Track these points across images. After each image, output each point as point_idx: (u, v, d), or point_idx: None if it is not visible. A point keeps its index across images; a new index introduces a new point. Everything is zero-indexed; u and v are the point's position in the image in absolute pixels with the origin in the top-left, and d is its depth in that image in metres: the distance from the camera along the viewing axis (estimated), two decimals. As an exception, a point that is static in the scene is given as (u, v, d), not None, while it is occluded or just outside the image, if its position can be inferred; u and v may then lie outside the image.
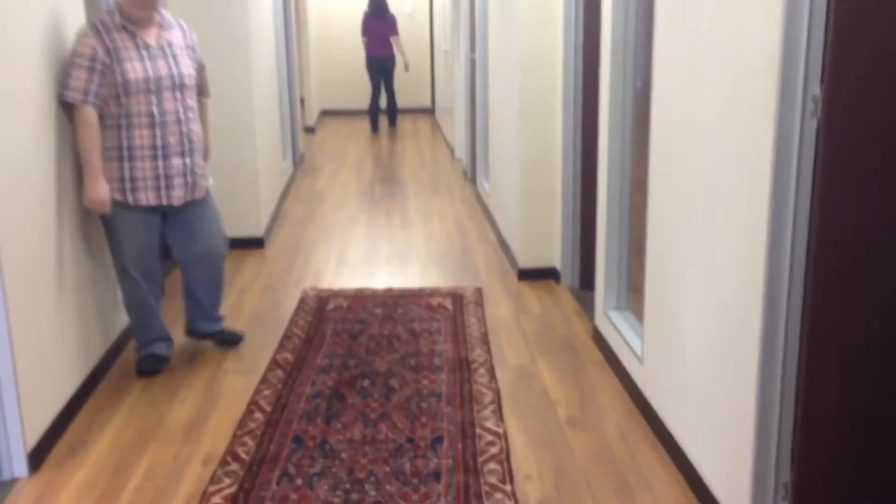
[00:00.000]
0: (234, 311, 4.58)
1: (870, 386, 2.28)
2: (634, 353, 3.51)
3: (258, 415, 3.41)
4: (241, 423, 3.34)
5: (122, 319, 4.06)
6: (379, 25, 10.81)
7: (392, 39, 10.89)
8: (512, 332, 4.30)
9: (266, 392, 3.60)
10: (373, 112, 11.20)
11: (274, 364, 3.89)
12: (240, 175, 5.69)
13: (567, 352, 4.06)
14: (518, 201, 5.09)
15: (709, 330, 2.73)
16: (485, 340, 4.16)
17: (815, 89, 2.13)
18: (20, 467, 2.97)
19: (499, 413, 3.42)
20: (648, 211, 3.31)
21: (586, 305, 4.54)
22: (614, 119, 3.83)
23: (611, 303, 3.96)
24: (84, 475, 2.99)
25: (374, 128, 11.23)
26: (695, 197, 2.80)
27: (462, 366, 3.86)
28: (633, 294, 3.90)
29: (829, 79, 2.09)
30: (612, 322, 3.84)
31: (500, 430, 3.27)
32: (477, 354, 3.99)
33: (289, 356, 3.98)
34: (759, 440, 2.41)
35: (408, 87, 12.82)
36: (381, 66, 10.94)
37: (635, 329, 3.68)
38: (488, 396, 3.57)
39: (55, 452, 3.14)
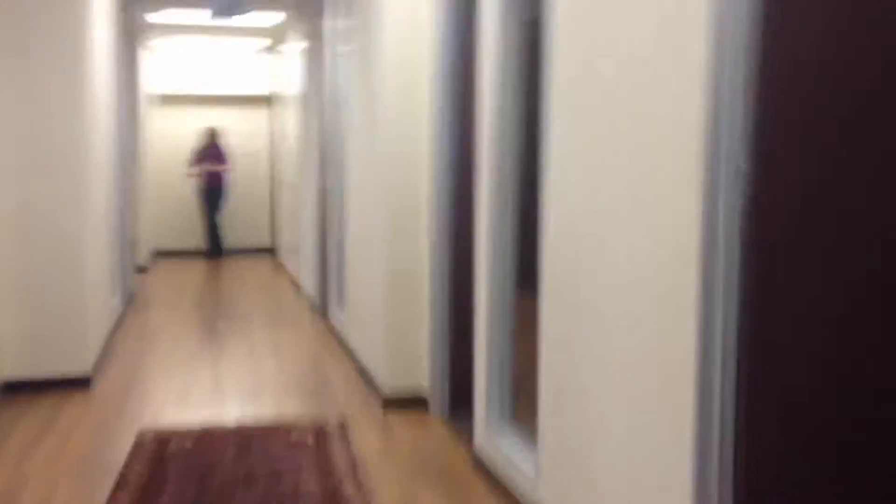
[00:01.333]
0: (55, 459, 3.89)
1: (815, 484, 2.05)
2: (525, 474, 3.16)
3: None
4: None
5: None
6: (209, 159, 11.47)
7: (222, 168, 11.57)
8: (382, 466, 3.85)
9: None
10: (209, 237, 11.77)
11: (105, 515, 3.26)
12: (64, 305, 5.05)
13: (447, 485, 3.65)
14: (381, 325, 4.74)
15: (625, 427, 2.45)
16: (354, 474, 3.68)
17: (741, 161, 1.97)
18: None
19: None
20: (541, 321, 3.05)
21: (462, 434, 4.17)
22: (494, 229, 3.62)
23: (493, 418, 3.62)
24: None
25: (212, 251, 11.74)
26: (606, 291, 2.58)
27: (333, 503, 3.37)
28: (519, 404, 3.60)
29: (756, 151, 1.94)
30: (499, 447, 3.49)
31: None
32: (349, 493, 3.50)
33: (124, 505, 3.35)
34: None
35: (246, 227, 12.39)
36: (210, 195, 11.58)
37: (527, 443, 3.33)
38: None
39: None
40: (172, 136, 12.34)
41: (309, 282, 8.42)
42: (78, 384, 5.06)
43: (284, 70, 10.89)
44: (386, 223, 4.67)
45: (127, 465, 3.78)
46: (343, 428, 4.35)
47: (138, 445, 4.06)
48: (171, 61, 12.21)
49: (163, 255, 12.14)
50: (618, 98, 2.46)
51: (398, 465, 3.85)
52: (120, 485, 3.56)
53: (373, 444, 4.12)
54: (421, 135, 4.58)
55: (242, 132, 12.46)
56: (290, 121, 9.99)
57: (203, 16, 8.97)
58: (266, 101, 12.52)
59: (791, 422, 1.97)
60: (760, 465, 2.02)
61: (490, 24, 3.55)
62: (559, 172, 2.88)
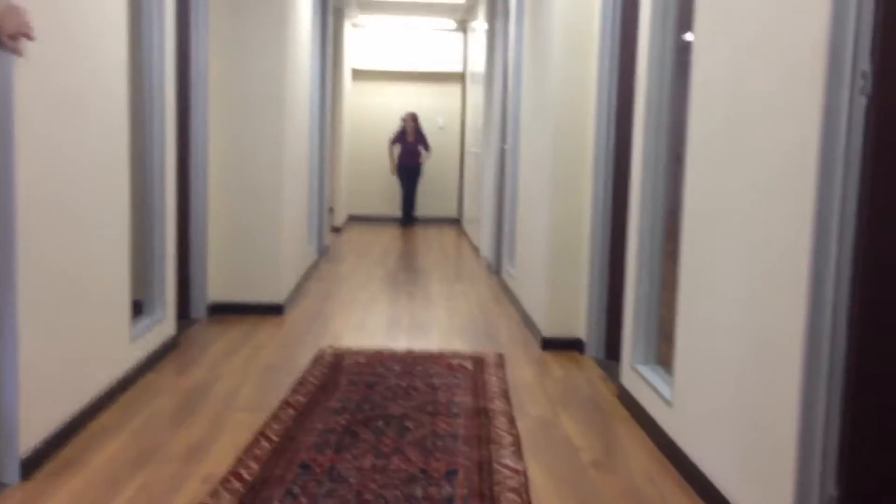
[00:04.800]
0: (247, 364, 4.45)
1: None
2: (664, 398, 3.33)
3: (265, 443, 3.23)
4: (247, 450, 3.17)
5: (139, 351, 3.96)
6: (410, 145, 12.26)
7: (423, 154, 12.34)
8: (534, 390, 4.13)
9: (275, 426, 3.44)
10: (403, 208, 12.59)
11: (285, 404, 3.73)
12: (263, 239, 5.67)
13: (591, 408, 3.88)
14: (544, 272, 5.00)
15: (746, 352, 2.58)
16: (505, 395, 3.98)
17: (865, 65, 2.07)
18: (11, 474, 2.81)
19: (518, 453, 3.23)
20: (682, 242, 3.21)
21: (611, 373, 4.36)
22: (646, 182, 3.78)
23: (639, 356, 3.80)
24: (76, 486, 2.82)
25: (405, 220, 12.52)
26: (731, 201, 2.72)
27: (481, 413, 3.68)
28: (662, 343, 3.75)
29: (881, 54, 2.04)
30: (640, 374, 3.67)
31: (520, 468, 3.07)
32: (497, 405, 3.81)
33: (301, 398, 3.82)
34: (803, 455, 2.22)
35: (436, 198, 12.97)
36: (408, 172, 12.33)
37: (664, 378, 3.52)
38: (507, 439, 3.38)
39: (50, 464, 2.98)
40: (370, 110, 13.09)
41: (486, 244, 8.79)
42: (272, 311, 5.67)
43: (474, 47, 11.30)
44: (550, 184, 4.91)
45: (306, 372, 4.27)
46: (501, 359, 4.66)
47: (318, 358, 4.56)
48: (371, 37, 12.93)
49: (356, 219, 12.95)
50: (753, 13, 2.58)
51: (547, 392, 4.10)
52: (299, 385, 4.04)
53: (527, 375, 4.40)
54: (585, 105, 4.78)
55: (436, 108, 13.03)
56: (478, 96, 10.38)
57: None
58: (459, 77, 13.01)
59: None
60: (873, 338, 2.12)
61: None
62: (702, 89, 3.03)
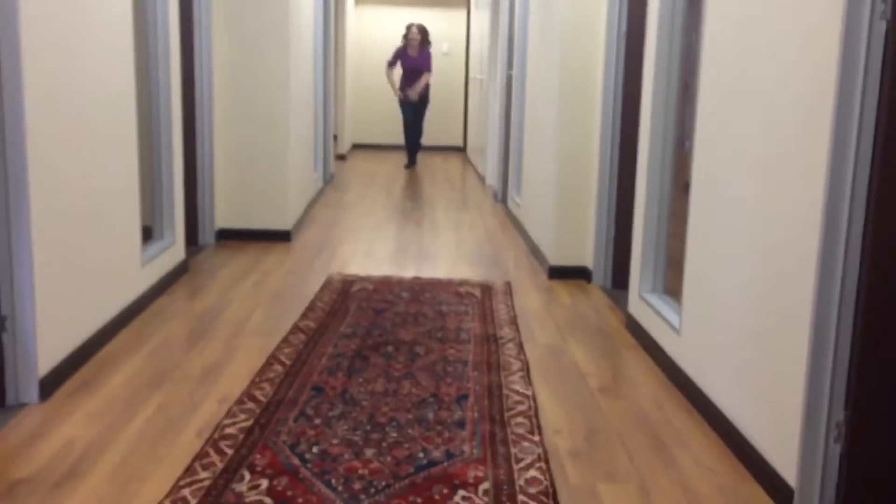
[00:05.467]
0: (256, 289, 4.49)
1: (933, 316, 2.14)
2: (671, 325, 3.37)
3: (277, 366, 3.28)
4: (260, 373, 3.22)
5: (150, 276, 3.99)
6: (412, 62, 10.31)
7: (424, 76, 10.33)
8: (542, 317, 4.17)
9: (287, 350, 3.49)
10: (407, 144, 10.78)
11: (296, 329, 3.78)
12: (270, 166, 5.66)
13: (598, 335, 3.92)
14: (552, 201, 4.99)
15: (757, 276, 2.60)
16: (513, 322, 4.03)
17: (884, -10, 2.04)
18: (30, 393, 2.86)
19: (527, 379, 3.27)
20: (693, 170, 3.21)
21: (619, 301, 4.40)
22: (656, 111, 3.74)
23: (647, 285, 3.83)
24: (95, 405, 2.88)
25: (410, 161, 10.74)
26: (744, 130, 2.71)
27: (490, 340, 3.73)
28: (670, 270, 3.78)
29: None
30: (648, 302, 3.70)
31: (529, 393, 3.12)
32: (505, 332, 3.85)
33: (311, 324, 3.86)
34: (811, 380, 2.26)
35: (440, 126, 12.87)
36: (412, 103, 10.48)
37: (671, 306, 3.55)
38: (516, 365, 3.42)
39: (68, 384, 3.03)
40: (373, 36, 12.90)
41: (492, 172, 8.77)
42: (279, 237, 5.69)
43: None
44: (558, 111, 4.87)
45: (315, 298, 4.31)
46: (509, 286, 4.69)
47: (327, 284, 4.59)
48: (376, -39, 12.68)
49: (361, 147, 12.88)
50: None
51: (555, 319, 4.14)
52: (308, 311, 4.08)
53: (535, 303, 4.44)
54: (594, 31, 4.70)
55: (440, 33, 12.83)
56: (483, 21, 10.21)
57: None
58: (464, 1, 12.78)
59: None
60: (884, 261, 2.14)
61: None
62: (715, 24, 2.99)
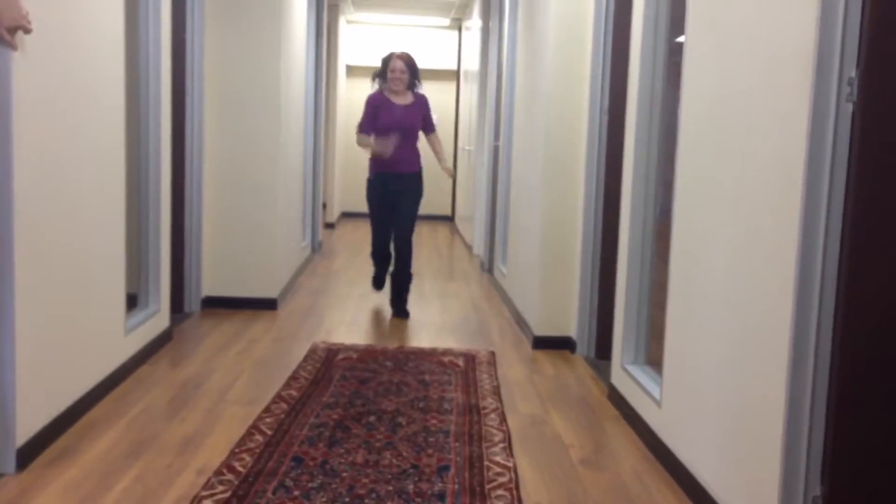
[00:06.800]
0: (241, 358, 4.48)
1: (905, 390, 2.17)
2: (653, 398, 3.38)
3: (258, 437, 3.27)
4: (240, 443, 3.20)
5: (133, 344, 3.99)
6: (398, 116, 5.73)
7: (429, 139, 6.06)
8: (525, 388, 4.17)
9: (268, 419, 3.47)
10: (379, 259, 6.09)
11: (278, 398, 3.77)
12: (258, 234, 5.70)
13: (581, 406, 3.92)
14: (536, 272, 5.04)
15: (733, 353, 2.63)
16: (496, 392, 4.03)
17: (852, 71, 2.12)
18: (7, 463, 2.83)
19: (509, 450, 3.27)
20: (672, 244, 3.26)
21: (602, 372, 4.41)
22: (638, 184, 3.83)
23: (629, 356, 3.85)
24: (72, 475, 2.85)
25: (379, 284, 6.18)
26: (720, 204, 2.77)
27: (472, 410, 3.72)
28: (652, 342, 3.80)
29: (866, 60, 2.08)
30: (630, 374, 3.72)
31: (510, 464, 3.12)
32: (488, 402, 3.85)
33: (294, 393, 3.85)
34: (788, 455, 2.27)
35: (429, 196, 12.96)
36: (390, 186, 5.75)
37: (653, 378, 3.56)
38: (498, 436, 3.42)
39: (46, 453, 3.01)
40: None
41: (479, 242, 8.84)
42: (266, 305, 5.70)
43: (468, 45, 11.33)
44: (542, 182, 4.95)
45: (299, 366, 4.31)
46: (492, 357, 4.70)
47: (311, 353, 4.59)
48: (365, 34, 12.95)
49: (350, 216, 12.98)
50: (741, 20, 2.63)
51: (538, 389, 4.15)
52: (292, 379, 4.07)
53: (518, 373, 4.44)
54: (578, 103, 4.82)
55: (430, 105, 13.04)
56: (472, 94, 10.41)
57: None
58: (453, 75, 13.03)
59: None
60: (856, 340, 2.17)
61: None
62: (691, 88, 3.07)
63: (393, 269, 5.91)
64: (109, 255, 3.74)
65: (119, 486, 2.79)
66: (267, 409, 3.60)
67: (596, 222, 4.71)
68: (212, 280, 5.65)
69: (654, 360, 3.73)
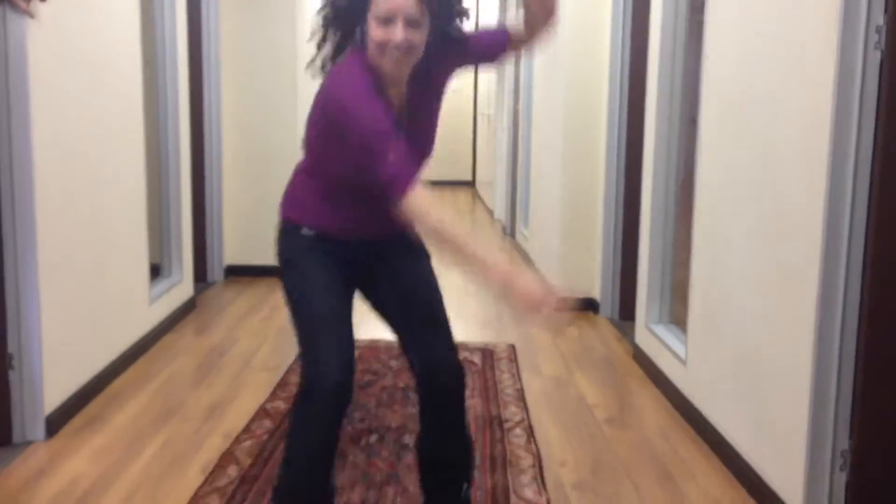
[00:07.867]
0: (264, 325, 4.50)
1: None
2: (678, 356, 3.36)
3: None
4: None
5: (158, 312, 4.02)
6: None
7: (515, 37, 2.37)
8: (548, 350, 4.16)
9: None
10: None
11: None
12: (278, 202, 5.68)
13: (605, 367, 3.91)
14: (558, 234, 5.01)
15: (759, 309, 2.60)
16: (520, 398, 3.44)
17: (879, 19, 2.06)
18: (37, 431, 2.87)
19: (541, 481, 2.68)
20: (696, 200, 3.22)
21: (626, 332, 4.38)
22: (660, 144, 3.77)
23: (653, 315, 3.82)
24: (100, 442, 2.89)
25: None
26: (746, 159, 2.72)
27: (493, 423, 3.14)
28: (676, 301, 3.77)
29: (895, 7, 2.03)
30: (654, 333, 3.69)
31: (543, 501, 2.62)
32: (511, 413, 3.26)
33: (318, 358, 3.85)
34: (816, 408, 2.25)
35: (450, 161, 12.93)
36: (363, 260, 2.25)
37: (678, 337, 3.54)
38: (527, 461, 2.82)
39: (75, 421, 3.05)
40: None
41: (500, 206, 8.80)
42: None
43: (487, 5, 11.19)
44: (563, 144, 4.90)
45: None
46: (513, 351, 4.56)
47: (334, 319, 4.59)
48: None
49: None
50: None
51: (562, 351, 4.14)
52: (316, 345, 4.07)
53: (541, 335, 4.43)
54: (599, 63, 4.75)
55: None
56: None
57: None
58: (471, 38, 12.90)
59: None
60: (886, 290, 2.13)
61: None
62: (715, 54, 3.01)
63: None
64: (132, 226, 3.76)
65: (147, 451, 2.82)
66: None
67: (618, 182, 4.66)
68: (234, 249, 5.66)
69: (678, 319, 3.70)
